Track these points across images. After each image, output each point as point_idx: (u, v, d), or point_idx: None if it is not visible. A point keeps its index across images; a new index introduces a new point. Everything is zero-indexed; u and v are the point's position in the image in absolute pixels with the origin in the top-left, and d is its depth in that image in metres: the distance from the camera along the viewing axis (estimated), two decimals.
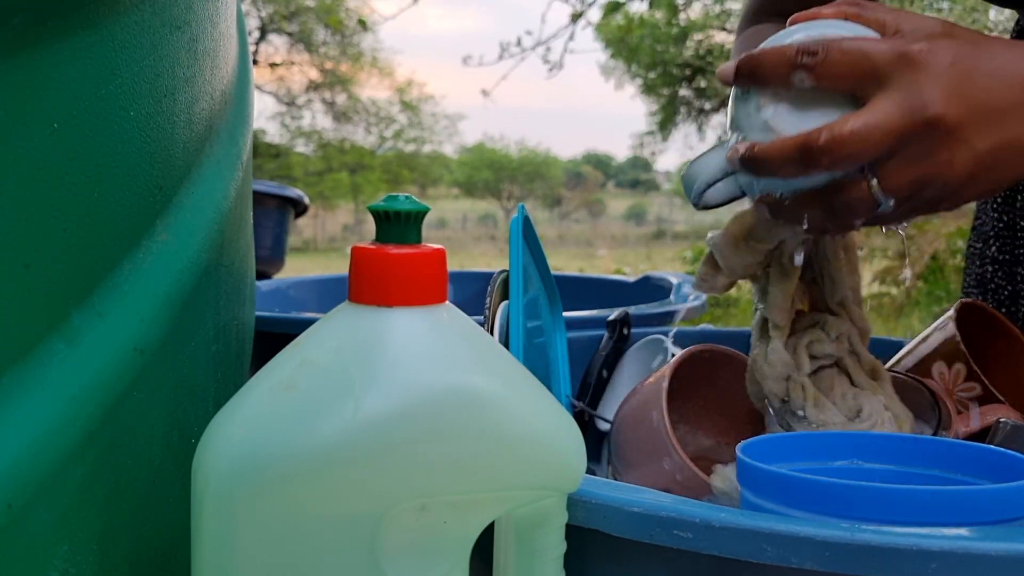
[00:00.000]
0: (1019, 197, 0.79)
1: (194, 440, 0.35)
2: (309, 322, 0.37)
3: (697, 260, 3.91)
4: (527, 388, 0.37)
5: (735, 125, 0.51)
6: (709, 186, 0.52)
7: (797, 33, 0.49)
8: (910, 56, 0.45)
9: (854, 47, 0.46)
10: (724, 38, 9.59)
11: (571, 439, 0.38)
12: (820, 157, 0.45)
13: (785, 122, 0.48)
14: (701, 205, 0.53)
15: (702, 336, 0.75)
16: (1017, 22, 0.84)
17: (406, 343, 0.34)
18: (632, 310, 0.78)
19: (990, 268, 0.82)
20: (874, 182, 0.46)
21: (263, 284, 1.18)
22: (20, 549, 0.33)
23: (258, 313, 0.71)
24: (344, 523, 0.33)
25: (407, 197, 0.36)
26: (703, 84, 9.81)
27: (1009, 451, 0.42)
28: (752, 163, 0.48)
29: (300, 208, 1.63)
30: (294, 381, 0.34)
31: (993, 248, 0.82)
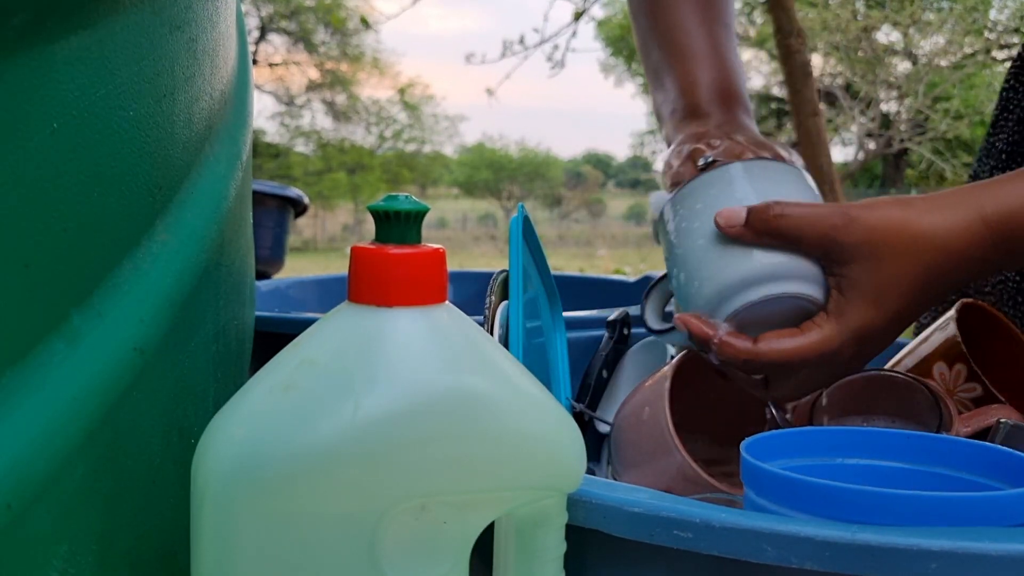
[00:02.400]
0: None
1: (194, 440, 0.35)
2: (309, 322, 0.37)
3: None
4: (527, 388, 0.37)
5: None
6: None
7: (742, 294, 0.54)
8: (843, 362, 0.53)
9: (793, 364, 0.53)
10: None
11: (571, 439, 0.38)
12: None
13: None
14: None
15: None
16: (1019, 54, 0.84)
17: (406, 343, 0.34)
18: (632, 310, 0.78)
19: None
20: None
21: (263, 284, 1.18)
22: (20, 549, 0.33)
23: (258, 313, 0.71)
24: (344, 523, 0.33)
25: (407, 197, 0.36)
26: None
27: (1015, 451, 0.42)
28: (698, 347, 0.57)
29: (300, 208, 1.63)
30: (294, 381, 0.34)
31: None
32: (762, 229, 0.52)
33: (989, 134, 0.86)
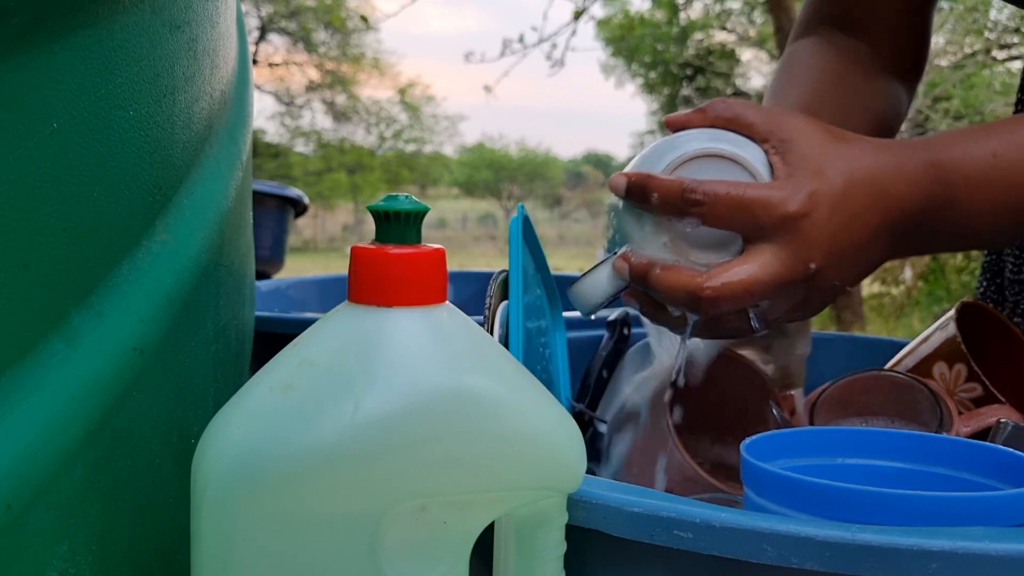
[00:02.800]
0: None
1: (194, 440, 0.35)
2: (309, 322, 0.37)
3: None
4: (527, 388, 0.37)
5: (625, 236, 0.53)
6: (601, 305, 0.55)
7: (680, 149, 0.51)
8: (791, 217, 0.49)
9: (738, 201, 0.49)
10: (724, 37, 9.59)
11: (571, 439, 0.38)
12: (706, 306, 0.50)
13: (679, 247, 0.51)
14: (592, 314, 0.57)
15: None
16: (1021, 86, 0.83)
17: (406, 343, 0.34)
18: (632, 310, 0.78)
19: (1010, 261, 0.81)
20: (753, 315, 0.51)
21: (263, 284, 1.18)
22: (19, 549, 0.33)
23: (258, 313, 0.71)
24: (344, 523, 0.33)
25: (407, 197, 0.36)
26: (704, 83, 9.81)
27: (1015, 451, 0.42)
28: (643, 283, 0.52)
29: (300, 208, 1.63)
30: (294, 381, 0.34)
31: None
32: (711, 112, 0.53)
33: None
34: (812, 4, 0.79)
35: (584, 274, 0.55)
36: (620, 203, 0.53)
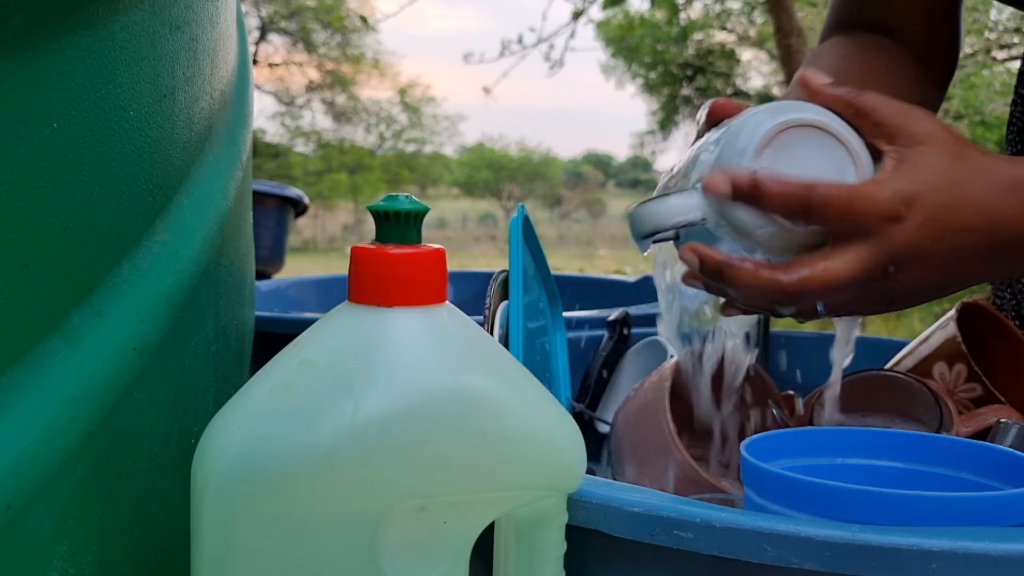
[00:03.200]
0: None
1: (194, 440, 0.35)
2: (309, 322, 0.37)
3: None
4: (527, 388, 0.37)
5: (720, 219, 0.49)
6: (662, 231, 0.50)
7: (790, 114, 0.49)
8: (891, 217, 0.47)
9: (844, 203, 0.47)
10: (724, 37, 9.58)
11: (571, 439, 0.38)
12: (788, 303, 0.49)
13: (758, 244, 0.49)
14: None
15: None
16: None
17: (406, 343, 0.34)
18: (632, 310, 0.78)
19: None
20: (820, 305, 0.50)
21: (263, 284, 1.18)
22: (19, 549, 0.33)
23: (258, 313, 0.71)
24: (344, 523, 0.33)
25: (407, 197, 0.36)
26: (704, 83, 9.82)
27: (1015, 451, 0.42)
28: (718, 279, 0.49)
29: (300, 208, 1.63)
30: (294, 381, 0.34)
31: None
32: (841, 87, 0.51)
33: (1005, 149, 0.85)
34: (834, 8, 0.78)
35: (661, 195, 0.51)
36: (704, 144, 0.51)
